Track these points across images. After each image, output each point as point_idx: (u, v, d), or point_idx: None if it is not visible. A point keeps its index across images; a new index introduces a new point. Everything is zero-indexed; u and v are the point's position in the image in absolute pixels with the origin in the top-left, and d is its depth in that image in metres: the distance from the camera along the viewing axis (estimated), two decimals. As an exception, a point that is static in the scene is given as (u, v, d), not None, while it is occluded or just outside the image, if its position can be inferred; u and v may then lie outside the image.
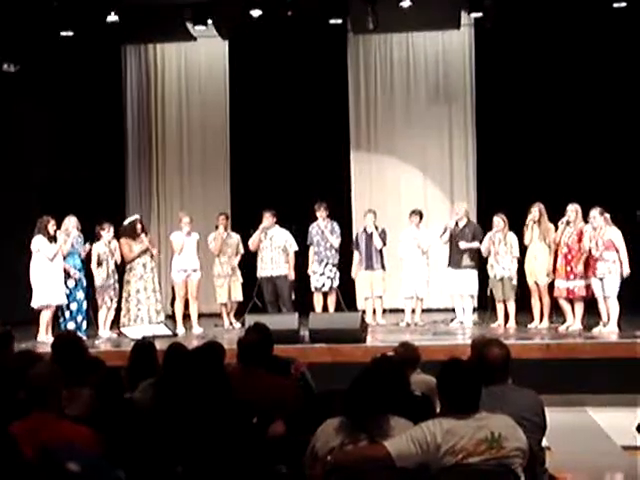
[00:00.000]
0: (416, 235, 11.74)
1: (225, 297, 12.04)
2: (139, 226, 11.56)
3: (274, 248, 11.84)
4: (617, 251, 10.08)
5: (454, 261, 11.51)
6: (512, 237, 11.04)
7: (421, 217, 11.86)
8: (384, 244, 11.82)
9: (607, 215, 10.20)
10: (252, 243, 11.90)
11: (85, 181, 13.79)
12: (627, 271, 10.09)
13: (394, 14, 12.54)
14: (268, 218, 11.82)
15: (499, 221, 11.07)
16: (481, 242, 11.26)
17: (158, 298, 11.55)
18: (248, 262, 12.24)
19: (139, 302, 11.36)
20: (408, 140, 14.34)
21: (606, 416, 8.37)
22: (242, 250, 12.18)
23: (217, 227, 12.12)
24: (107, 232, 11.31)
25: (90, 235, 11.30)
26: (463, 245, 11.32)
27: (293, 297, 11.93)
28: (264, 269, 11.86)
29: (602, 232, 10.13)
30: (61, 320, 11.03)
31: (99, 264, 11.19)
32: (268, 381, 5.27)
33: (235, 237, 12.20)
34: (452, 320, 11.70)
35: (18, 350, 6.33)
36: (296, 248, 11.92)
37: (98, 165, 14.11)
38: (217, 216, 12.27)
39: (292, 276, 11.88)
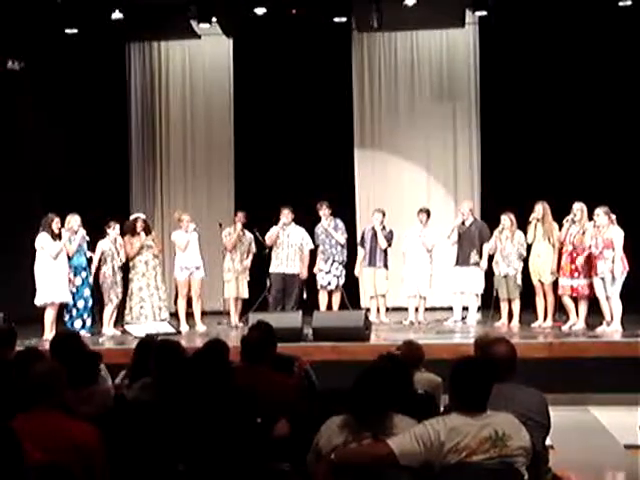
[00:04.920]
0: (421, 233, 11.75)
1: (233, 292, 12.05)
2: (139, 224, 11.60)
3: (290, 245, 11.85)
4: (614, 250, 10.09)
5: (462, 259, 11.52)
6: (520, 236, 11.04)
7: (428, 215, 11.87)
8: (389, 245, 11.84)
9: (613, 215, 10.20)
10: (269, 238, 11.90)
11: (89, 179, 13.79)
12: (619, 270, 10.06)
13: (398, 12, 12.54)
14: (287, 215, 11.83)
15: (506, 219, 11.08)
16: (488, 241, 11.30)
17: (161, 296, 11.58)
18: (253, 261, 12.25)
19: (142, 300, 11.43)
20: (412, 138, 14.32)
21: (609, 415, 8.37)
22: (254, 249, 12.20)
23: (235, 223, 12.14)
24: (112, 230, 11.35)
25: (92, 234, 11.30)
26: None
27: (305, 296, 11.92)
28: (278, 266, 11.87)
29: (604, 231, 10.14)
30: (67, 318, 11.05)
31: (103, 261, 11.23)
32: (271, 379, 5.28)
33: (249, 236, 12.20)
34: (446, 319, 11.71)
35: (25, 347, 6.34)
36: (312, 246, 11.93)
37: (102, 163, 14.11)
38: (236, 212, 12.38)
39: (304, 275, 11.88)
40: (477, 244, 11.45)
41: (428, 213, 11.90)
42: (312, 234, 12.01)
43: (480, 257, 11.40)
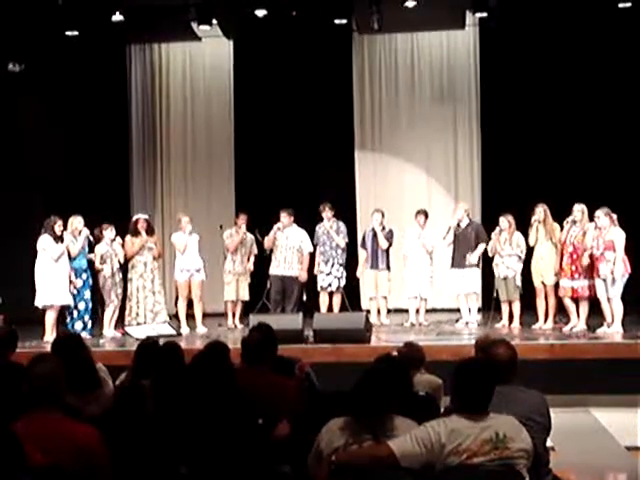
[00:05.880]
0: (420, 235, 11.75)
1: (233, 294, 12.05)
2: (140, 224, 11.61)
3: (289, 248, 11.83)
4: (615, 251, 10.07)
5: (457, 261, 11.52)
6: (519, 237, 11.04)
7: (426, 217, 11.87)
8: (390, 244, 11.83)
9: (614, 216, 10.18)
10: (267, 241, 11.91)
11: (89, 181, 13.79)
12: (620, 272, 10.04)
13: (399, 14, 12.54)
14: (285, 217, 11.82)
15: (504, 221, 11.08)
16: (485, 241, 11.30)
17: (158, 299, 11.56)
18: (254, 263, 12.25)
19: (139, 300, 11.43)
20: (412, 140, 14.34)
21: (610, 416, 8.36)
22: (255, 251, 12.20)
23: (236, 225, 12.15)
24: (108, 231, 11.34)
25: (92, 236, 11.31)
26: (474, 260, 11.32)
27: (305, 298, 11.91)
28: (276, 267, 11.86)
29: (605, 232, 10.12)
30: (68, 320, 11.05)
31: (103, 263, 11.24)
32: (272, 381, 5.28)
33: (250, 237, 12.20)
34: (457, 320, 11.70)
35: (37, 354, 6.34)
36: (311, 249, 11.90)
37: (103, 165, 14.12)
38: (238, 214, 12.40)
39: (303, 277, 11.84)
40: (473, 245, 11.43)
41: (426, 214, 11.90)
42: (313, 233, 12.00)
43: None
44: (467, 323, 11.49)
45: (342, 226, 12.06)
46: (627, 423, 7.55)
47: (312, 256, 11.97)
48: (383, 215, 11.94)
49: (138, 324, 11.28)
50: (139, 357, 5.78)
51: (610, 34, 12.80)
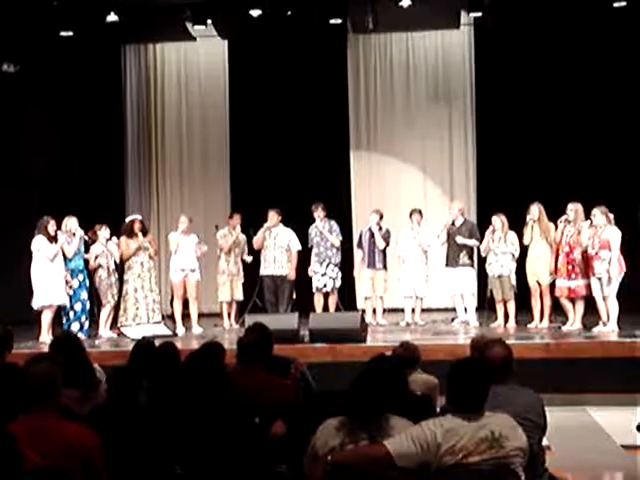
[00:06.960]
0: (416, 234, 11.75)
1: (228, 295, 12.05)
2: (137, 225, 11.57)
3: (277, 247, 11.83)
4: (611, 250, 10.07)
5: (451, 260, 11.52)
6: (513, 236, 11.04)
7: (421, 216, 11.87)
8: (387, 244, 11.83)
9: (611, 215, 10.19)
10: (256, 242, 11.91)
11: (85, 181, 13.78)
12: (615, 271, 10.05)
13: (394, 14, 12.56)
14: (273, 217, 11.83)
15: (497, 220, 11.08)
16: (478, 240, 11.31)
17: (155, 298, 11.54)
18: (246, 264, 12.25)
19: (137, 301, 11.39)
20: (408, 140, 14.35)
21: (606, 415, 8.36)
22: (246, 250, 12.21)
23: (229, 225, 12.15)
24: (103, 231, 11.32)
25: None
26: (460, 240, 11.33)
27: (294, 297, 11.90)
28: (266, 268, 11.85)
29: (601, 231, 10.13)
30: (64, 320, 11.03)
31: (98, 265, 11.22)
32: (268, 381, 5.28)
33: (242, 237, 12.21)
34: (453, 319, 11.70)
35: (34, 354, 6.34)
36: (299, 248, 11.90)
37: (98, 165, 14.11)
38: (231, 214, 12.38)
39: (292, 276, 11.84)
40: (468, 245, 11.46)
41: (420, 213, 11.90)
42: (306, 235, 12.00)
43: (469, 258, 11.43)
44: (463, 322, 11.48)
45: (334, 225, 12.03)
46: (623, 422, 7.54)
47: (302, 255, 11.95)
48: (381, 216, 11.91)
49: (137, 324, 11.25)
50: (135, 357, 5.78)
51: (605, 33, 12.81)
